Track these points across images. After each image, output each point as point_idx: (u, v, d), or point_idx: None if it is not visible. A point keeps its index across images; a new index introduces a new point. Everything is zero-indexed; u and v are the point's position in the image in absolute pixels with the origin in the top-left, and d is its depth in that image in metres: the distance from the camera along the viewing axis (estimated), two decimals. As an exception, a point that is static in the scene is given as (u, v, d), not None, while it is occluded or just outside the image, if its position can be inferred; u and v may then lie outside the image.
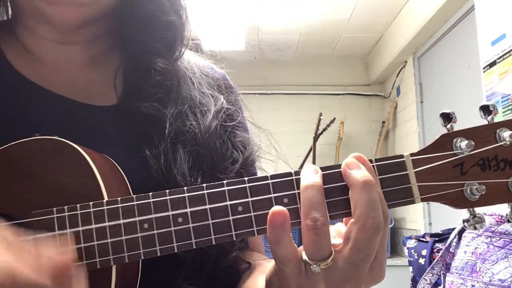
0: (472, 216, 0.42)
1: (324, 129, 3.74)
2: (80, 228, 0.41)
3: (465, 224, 0.42)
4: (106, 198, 0.43)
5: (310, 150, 3.74)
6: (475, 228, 0.42)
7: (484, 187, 0.42)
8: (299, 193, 0.41)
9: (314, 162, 3.70)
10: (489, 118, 0.44)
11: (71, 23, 0.56)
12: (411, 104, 3.38)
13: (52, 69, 0.58)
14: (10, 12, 0.61)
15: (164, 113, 0.55)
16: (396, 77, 3.63)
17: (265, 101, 3.98)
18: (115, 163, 0.49)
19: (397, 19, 3.30)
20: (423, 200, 0.42)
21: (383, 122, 3.85)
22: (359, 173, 0.40)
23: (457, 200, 0.42)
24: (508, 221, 0.42)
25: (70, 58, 0.59)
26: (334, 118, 3.75)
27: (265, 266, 0.56)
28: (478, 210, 0.43)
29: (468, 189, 0.42)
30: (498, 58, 1.87)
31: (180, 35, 0.61)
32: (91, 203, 0.41)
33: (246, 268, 0.58)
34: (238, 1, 3.04)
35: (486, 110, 0.44)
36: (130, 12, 0.59)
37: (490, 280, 1.29)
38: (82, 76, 0.59)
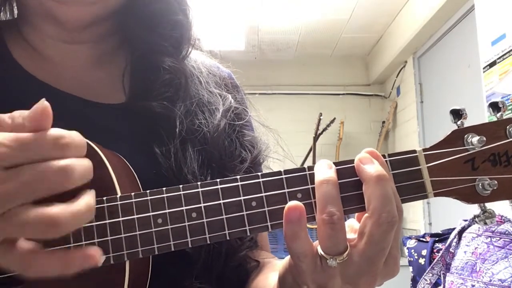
0: (482, 212, 0.43)
1: (324, 129, 3.74)
2: (94, 223, 0.40)
3: (476, 219, 0.43)
4: (119, 194, 0.43)
5: (310, 150, 3.74)
6: (485, 223, 0.43)
7: (496, 182, 0.43)
8: (313, 188, 0.41)
9: (314, 162, 3.70)
10: (498, 114, 0.45)
11: (79, 23, 0.56)
12: (411, 104, 3.38)
13: (60, 68, 0.58)
14: (16, 12, 0.62)
15: (173, 112, 0.56)
16: (396, 77, 3.63)
17: (265, 101, 3.98)
18: (126, 161, 0.49)
19: (397, 19, 3.30)
20: (436, 195, 0.43)
21: (383, 122, 3.85)
22: (372, 168, 0.40)
23: (469, 195, 0.43)
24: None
25: (77, 57, 0.59)
26: (334, 118, 3.75)
27: (274, 264, 0.57)
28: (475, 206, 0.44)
29: (480, 184, 0.43)
30: (498, 58, 1.87)
31: (187, 35, 0.62)
32: (105, 198, 0.41)
33: (255, 266, 0.58)
34: (238, 1, 3.04)
35: (495, 107, 0.45)
36: (138, 11, 0.59)
37: (490, 280, 1.29)
38: (90, 74, 0.59)
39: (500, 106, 0.45)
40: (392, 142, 3.84)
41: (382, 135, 3.80)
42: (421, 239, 1.83)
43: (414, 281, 1.77)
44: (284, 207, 0.40)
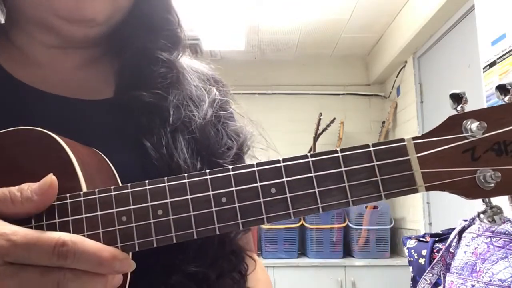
0: (488, 207, 0.38)
1: (324, 129, 3.74)
2: (57, 220, 0.39)
3: (481, 216, 0.38)
4: (84, 190, 0.41)
5: (310, 150, 3.74)
6: (493, 220, 0.38)
7: (499, 174, 0.37)
8: (287, 182, 0.38)
9: (314, 162, 3.70)
10: (506, 98, 0.39)
11: (81, 39, 0.56)
12: (411, 104, 3.38)
13: (48, 71, 0.58)
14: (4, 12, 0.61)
15: (166, 101, 0.56)
16: (396, 77, 3.63)
17: (265, 101, 3.98)
18: (102, 155, 0.48)
19: (397, 19, 3.29)
20: (428, 189, 0.38)
21: (383, 122, 3.85)
22: None
23: (469, 189, 0.38)
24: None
25: (66, 60, 0.59)
26: (334, 118, 3.75)
27: None
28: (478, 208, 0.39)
29: (482, 176, 0.37)
30: (498, 58, 1.87)
31: (181, 43, 0.63)
32: (68, 195, 0.40)
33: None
34: (238, 1, 3.04)
35: (502, 89, 0.39)
36: (136, 26, 0.60)
37: (490, 280, 1.29)
38: (78, 75, 0.59)
39: (509, 88, 0.39)
40: (392, 142, 3.84)
41: (382, 135, 3.80)
42: (421, 239, 1.83)
43: (414, 281, 1.77)
44: (257, 203, 0.38)
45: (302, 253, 3.43)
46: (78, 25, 0.54)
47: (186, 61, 0.68)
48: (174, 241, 0.38)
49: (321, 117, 3.69)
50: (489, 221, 0.38)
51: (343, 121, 3.82)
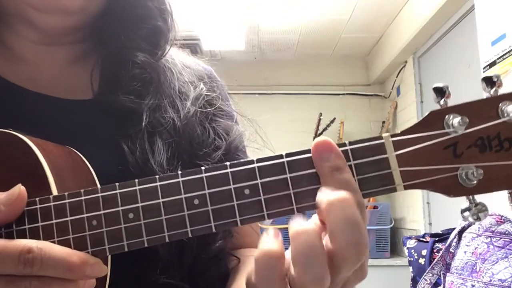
0: (474, 205, 0.36)
1: (324, 129, 3.74)
2: (27, 226, 0.38)
3: (465, 214, 0.36)
4: (55, 194, 0.40)
5: (310, 150, 3.74)
6: (478, 218, 0.36)
7: (481, 171, 0.35)
8: (262, 183, 0.37)
9: (314, 162, 3.70)
10: (492, 91, 0.37)
11: (59, 30, 0.56)
12: (411, 104, 3.38)
13: (33, 68, 0.57)
14: None
15: (140, 105, 0.54)
16: (396, 77, 3.63)
17: (265, 101, 3.98)
18: (81, 156, 0.47)
19: (397, 19, 3.30)
20: (407, 187, 0.36)
21: (383, 122, 3.85)
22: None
23: (451, 187, 0.36)
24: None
25: (52, 57, 0.58)
26: (334, 118, 3.75)
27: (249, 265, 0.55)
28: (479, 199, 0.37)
29: (464, 173, 0.36)
30: (498, 58, 1.87)
31: (164, 38, 0.61)
32: (37, 199, 0.39)
33: (235, 263, 0.56)
34: (238, 1, 3.04)
35: (489, 81, 0.37)
36: (118, 16, 0.59)
37: (490, 280, 1.29)
38: (63, 73, 0.58)
39: (495, 80, 0.37)
40: (392, 142, 3.84)
41: (382, 135, 3.79)
42: (421, 239, 1.83)
43: (414, 281, 1.77)
44: (230, 205, 0.36)
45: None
46: (52, 14, 0.53)
47: (178, 55, 0.67)
48: (146, 245, 0.38)
49: (321, 117, 3.69)
50: (474, 219, 0.36)
51: (343, 121, 3.82)
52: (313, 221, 0.35)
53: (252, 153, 0.64)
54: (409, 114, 3.41)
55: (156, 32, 0.60)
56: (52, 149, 0.44)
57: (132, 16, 0.59)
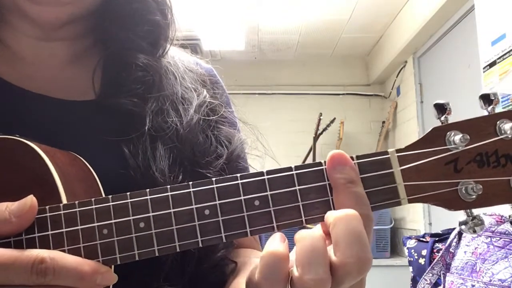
0: (470, 218, 0.38)
1: (324, 129, 3.74)
2: (36, 235, 0.38)
3: (463, 227, 0.38)
4: (64, 202, 0.40)
5: (310, 150, 3.74)
6: (474, 232, 0.38)
7: (480, 186, 0.38)
8: (271, 195, 0.38)
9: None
10: (489, 108, 0.39)
11: (54, 22, 0.55)
12: (411, 104, 3.38)
13: (33, 67, 0.56)
14: None
15: (144, 109, 0.54)
16: (396, 77, 3.63)
17: (265, 101, 3.98)
18: (86, 163, 0.47)
19: (397, 19, 3.30)
20: (411, 201, 0.38)
21: (383, 122, 3.85)
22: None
23: (451, 201, 0.38)
24: (511, 223, 0.39)
25: (52, 54, 0.58)
26: (334, 118, 3.75)
27: (250, 266, 0.55)
28: (477, 210, 0.39)
29: (463, 188, 0.38)
30: (498, 58, 1.87)
31: (164, 34, 0.60)
32: (47, 207, 0.39)
33: (233, 268, 0.56)
34: (238, 1, 3.04)
35: (486, 99, 0.39)
36: (115, 10, 0.58)
37: (490, 280, 1.29)
38: (63, 72, 0.58)
39: (492, 98, 0.39)
40: (392, 142, 3.84)
41: (382, 135, 3.80)
42: (421, 239, 1.83)
43: (414, 281, 1.77)
44: (240, 216, 0.38)
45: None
46: (46, 5, 0.52)
47: (183, 59, 0.66)
48: (157, 254, 0.38)
49: (321, 117, 3.69)
50: (471, 232, 0.38)
51: (343, 121, 3.82)
52: (318, 228, 0.36)
53: (253, 161, 0.64)
54: (409, 114, 3.41)
55: (155, 29, 0.59)
56: (60, 157, 0.44)
57: (129, 10, 0.58)
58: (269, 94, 4.03)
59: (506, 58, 1.82)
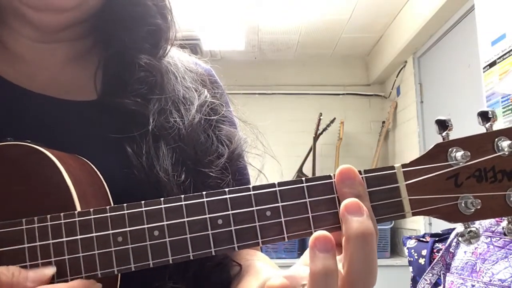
0: (467, 231, 0.40)
1: (324, 129, 3.75)
2: (51, 241, 0.38)
3: (460, 238, 0.41)
4: (78, 209, 0.40)
5: (310, 150, 3.74)
6: (470, 243, 0.40)
7: (479, 201, 0.40)
8: (282, 206, 0.39)
9: (314, 162, 3.71)
10: (487, 125, 0.41)
11: (55, 27, 0.55)
12: (411, 104, 3.38)
13: (33, 68, 0.57)
14: None
15: (147, 109, 0.54)
16: (396, 77, 3.63)
17: (265, 101, 3.98)
18: (93, 167, 0.47)
19: (397, 19, 3.30)
20: (414, 214, 0.40)
21: (383, 122, 3.85)
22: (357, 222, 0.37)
23: (451, 214, 0.40)
24: (505, 234, 0.41)
25: (52, 55, 0.58)
26: (334, 118, 3.75)
27: (256, 270, 0.55)
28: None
29: (463, 202, 0.40)
30: (498, 58, 1.87)
31: (165, 36, 0.61)
32: (62, 214, 0.39)
33: (237, 270, 0.56)
34: (238, 1, 3.04)
35: (484, 117, 0.42)
36: (116, 13, 0.58)
37: (490, 280, 1.29)
38: (64, 73, 0.58)
39: (490, 116, 0.41)
40: (392, 142, 3.84)
41: (382, 135, 3.80)
42: (421, 239, 1.83)
43: (414, 281, 1.77)
44: (252, 226, 0.38)
45: (302, 253, 3.42)
46: (46, 12, 0.52)
47: (182, 59, 0.66)
48: (171, 262, 0.39)
49: (321, 117, 3.69)
50: (466, 244, 0.41)
51: (343, 121, 3.82)
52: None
53: (253, 160, 0.64)
54: (409, 114, 3.41)
55: (156, 31, 0.60)
56: (71, 162, 0.44)
57: (130, 13, 0.58)
58: (269, 94, 4.03)
59: (506, 58, 1.82)
